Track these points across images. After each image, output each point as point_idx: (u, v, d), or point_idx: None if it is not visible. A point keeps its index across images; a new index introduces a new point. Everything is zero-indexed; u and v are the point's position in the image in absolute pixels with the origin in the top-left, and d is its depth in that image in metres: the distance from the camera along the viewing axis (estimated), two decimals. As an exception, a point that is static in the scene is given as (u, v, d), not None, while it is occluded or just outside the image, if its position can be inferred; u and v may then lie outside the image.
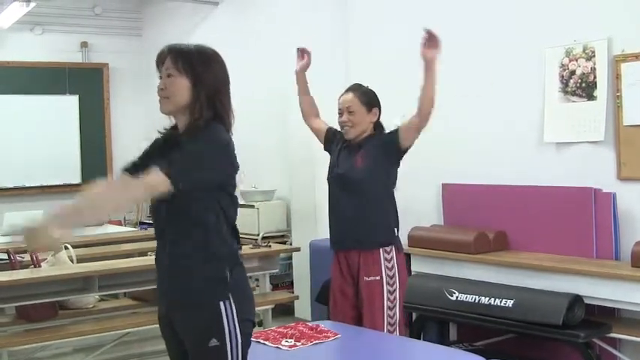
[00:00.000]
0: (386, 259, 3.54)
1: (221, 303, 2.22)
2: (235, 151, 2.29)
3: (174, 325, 2.33)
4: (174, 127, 2.38)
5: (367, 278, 3.53)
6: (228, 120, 2.32)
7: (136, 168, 2.32)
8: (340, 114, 3.64)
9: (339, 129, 3.74)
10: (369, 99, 3.65)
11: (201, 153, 2.21)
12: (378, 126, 3.68)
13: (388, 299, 3.52)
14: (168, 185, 2.12)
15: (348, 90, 3.69)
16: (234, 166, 2.30)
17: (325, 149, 3.83)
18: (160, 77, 2.32)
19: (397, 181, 3.68)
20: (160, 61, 2.33)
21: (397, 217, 3.65)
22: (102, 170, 8.33)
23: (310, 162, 5.56)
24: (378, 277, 3.51)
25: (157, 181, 2.12)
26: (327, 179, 3.73)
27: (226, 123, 2.31)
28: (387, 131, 3.65)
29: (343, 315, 3.62)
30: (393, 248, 3.55)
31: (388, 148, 3.56)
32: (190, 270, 2.26)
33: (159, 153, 2.36)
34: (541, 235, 4.36)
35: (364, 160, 3.55)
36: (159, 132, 2.41)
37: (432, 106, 3.40)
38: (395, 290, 3.54)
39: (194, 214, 2.25)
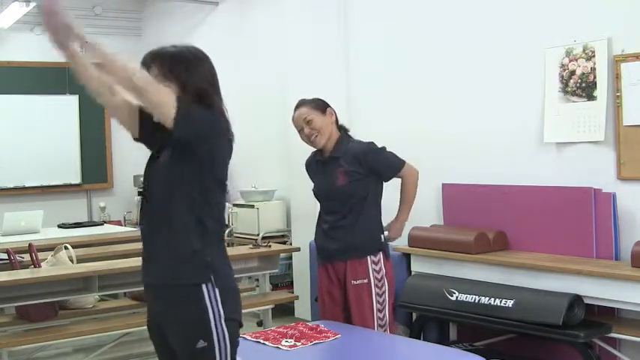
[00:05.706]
0: (373, 262, 3.57)
1: (203, 286, 2.22)
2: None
3: (162, 326, 2.33)
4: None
5: (355, 282, 3.55)
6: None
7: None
8: (300, 130, 3.64)
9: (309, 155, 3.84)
10: (318, 104, 3.66)
11: (199, 111, 2.25)
12: (341, 127, 3.70)
13: (377, 301, 3.54)
14: (173, 114, 2.13)
15: (296, 108, 3.68)
16: (228, 131, 2.32)
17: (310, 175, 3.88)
18: None
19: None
20: (145, 67, 2.32)
21: (381, 223, 3.68)
22: (102, 170, 8.35)
23: (310, 162, 5.55)
24: (365, 280, 3.53)
25: (168, 98, 2.14)
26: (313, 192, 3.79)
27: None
28: (358, 141, 3.66)
29: (333, 318, 3.62)
30: (381, 254, 3.59)
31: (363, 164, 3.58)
32: (174, 254, 2.26)
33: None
34: (541, 235, 4.35)
35: (345, 176, 3.57)
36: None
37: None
38: (384, 293, 3.56)
39: (183, 199, 2.24)
